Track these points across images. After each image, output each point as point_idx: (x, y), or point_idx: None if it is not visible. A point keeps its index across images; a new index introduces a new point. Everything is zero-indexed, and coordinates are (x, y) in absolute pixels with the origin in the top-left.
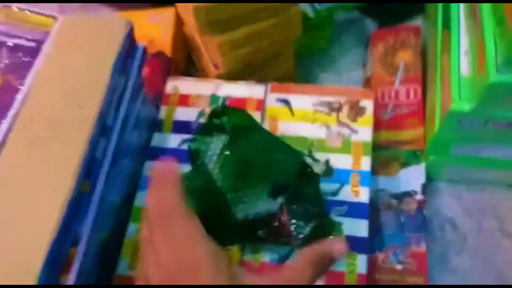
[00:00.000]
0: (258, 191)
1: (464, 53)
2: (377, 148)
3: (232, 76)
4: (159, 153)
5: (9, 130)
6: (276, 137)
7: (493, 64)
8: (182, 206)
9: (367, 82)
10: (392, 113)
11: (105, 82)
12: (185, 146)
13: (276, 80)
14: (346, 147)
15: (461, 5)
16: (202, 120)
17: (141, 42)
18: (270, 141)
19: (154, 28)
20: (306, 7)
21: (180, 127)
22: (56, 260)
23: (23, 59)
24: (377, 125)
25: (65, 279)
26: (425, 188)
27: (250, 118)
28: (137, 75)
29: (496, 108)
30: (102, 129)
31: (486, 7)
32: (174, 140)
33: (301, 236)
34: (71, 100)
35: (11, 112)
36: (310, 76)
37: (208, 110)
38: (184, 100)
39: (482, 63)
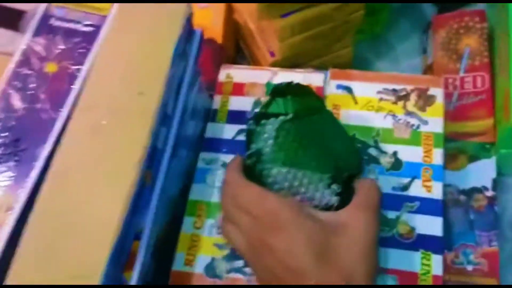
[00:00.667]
0: (313, 178)
1: None
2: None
3: (288, 63)
4: (214, 144)
5: (68, 118)
6: (341, 125)
7: None
8: (243, 179)
9: (428, 70)
10: (458, 103)
11: (166, 68)
12: (241, 137)
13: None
14: (415, 138)
15: None
16: (259, 109)
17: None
18: (334, 127)
19: (205, 15)
20: None
21: (235, 117)
22: (120, 256)
23: (80, 44)
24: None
25: (128, 277)
26: (495, 183)
27: (317, 97)
28: (195, 62)
29: None
30: (163, 117)
31: None
32: (229, 131)
33: None
34: (131, 87)
35: (70, 100)
36: (367, 64)
37: (264, 99)
38: (238, 89)
39: None
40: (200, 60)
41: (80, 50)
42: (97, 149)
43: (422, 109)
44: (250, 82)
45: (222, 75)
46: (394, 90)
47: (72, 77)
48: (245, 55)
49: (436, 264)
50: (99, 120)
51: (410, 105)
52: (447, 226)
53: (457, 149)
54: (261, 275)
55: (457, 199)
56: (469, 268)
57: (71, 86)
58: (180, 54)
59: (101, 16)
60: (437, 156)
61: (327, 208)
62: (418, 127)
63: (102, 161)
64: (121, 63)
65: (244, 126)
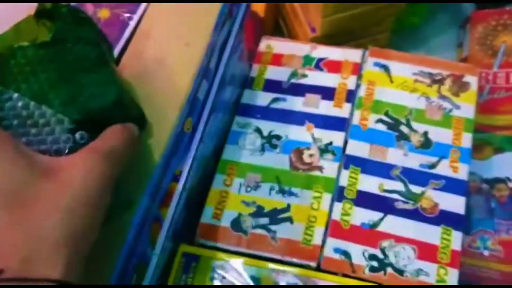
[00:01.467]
0: (52, 119)
1: None
2: None
3: (328, 41)
4: (248, 109)
5: (117, 63)
6: (112, 69)
7: None
8: None
9: (463, 63)
10: (488, 96)
11: (213, 23)
12: (275, 105)
13: None
14: (446, 121)
15: None
16: (294, 80)
17: None
18: (102, 67)
19: None
20: None
21: (271, 85)
22: (157, 190)
23: None
24: None
25: (163, 213)
26: None
27: (93, 28)
28: (240, 27)
29: None
30: (206, 71)
31: None
32: (264, 98)
33: None
34: (178, 38)
35: (119, 47)
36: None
37: (301, 70)
38: (277, 59)
39: None
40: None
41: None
42: (141, 93)
43: (456, 94)
44: (289, 53)
45: (263, 45)
46: (430, 74)
47: (124, 25)
48: (283, 33)
49: (456, 239)
50: (145, 66)
51: (444, 89)
52: (467, 210)
53: (483, 140)
54: None
55: (479, 187)
56: (486, 253)
57: (123, 34)
58: (227, 13)
59: None
60: (466, 140)
61: (57, 154)
62: (450, 111)
63: (144, 103)
64: (171, 14)
65: (279, 95)
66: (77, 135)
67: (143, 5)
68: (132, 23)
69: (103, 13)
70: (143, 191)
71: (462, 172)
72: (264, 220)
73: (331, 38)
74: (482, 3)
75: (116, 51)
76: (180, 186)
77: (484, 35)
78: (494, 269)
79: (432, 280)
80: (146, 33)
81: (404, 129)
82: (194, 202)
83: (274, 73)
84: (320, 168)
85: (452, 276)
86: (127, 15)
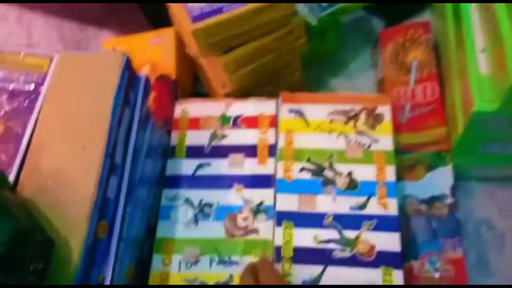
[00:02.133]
0: None
1: (480, 51)
2: (399, 153)
3: (241, 93)
4: (175, 181)
5: (15, 182)
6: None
7: None
8: None
9: (380, 84)
10: (410, 114)
11: (107, 119)
12: (200, 172)
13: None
14: (367, 157)
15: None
16: (215, 142)
17: (146, 66)
18: None
19: (157, 51)
20: (308, 15)
21: (193, 151)
22: None
23: (23, 104)
24: (396, 129)
25: None
26: (454, 190)
27: None
28: (142, 105)
29: None
30: (111, 167)
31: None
32: (188, 166)
33: None
34: (74, 143)
35: (17, 163)
36: (321, 81)
37: (220, 131)
38: (194, 124)
39: (502, 62)
40: (155, 96)
41: (25, 110)
42: (45, 210)
43: (372, 127)
44: (205, 115)
45: (178, 111)
46: (344, 111)
47: (19, 137)
48: (203, 84)
49: (397, 278)
50: (45, 181)
51: (360, 124)
52: (411, 236)
53: (414, 159)
54: None
55: (418, 209)
56: (436, 275)
57: (19, 146)
58: (123, 101)
59: (41, 74)
60: (390, 173)
61: None
62: (369, 146)
63: (52, 221)
64: (63, 121)
65: (203, 160)
66: None
67: (34, 116)
68: (26, 135)
69: None
70: None
71: (391, 207)
72: None
73: (243, 91)
74: (390, 18)
75: (14, 169)
76: None
77: (395, 53)
78: None
79: None
80: (39, 146)
81: (328, 173)
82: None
83: (194, 138)
84: (255, 231)
85: None
86: (20, 127)
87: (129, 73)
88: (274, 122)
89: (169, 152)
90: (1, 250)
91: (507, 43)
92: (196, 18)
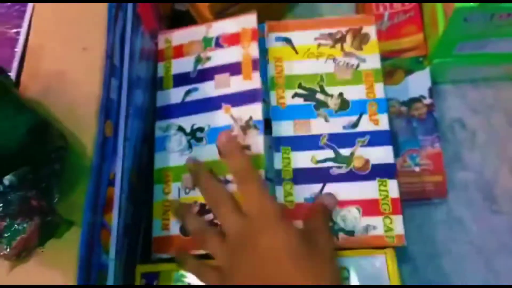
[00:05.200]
0: None
1: None
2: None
3: (221, 6)
4: (166, 111)
5: (16, 86)
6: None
7: None
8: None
9: None
10: (389, 22)
11: (105, 20)
12: (189, 98)
13: (265, 7)
14: (357, 77)
15: None
16: (200, 66)
17: None
18: None
19: None
20: None
21: (180, 79)
22: (97, 201)
23: (14, 7)
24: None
25: (108, 219)
26: (432, 91)
27: None
28: (133, 10)
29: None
30: (112, 69)
31: None
32: (177, 95)
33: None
34: (73, 45)
35: (15, 66)
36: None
37: (204, 54)
38: (178, 51)
39: None
40: (140, 11)
41: (16, 13)
42: (53, 110)
43: (359, 48)
44: (187, 41)
45: (161, 42)
46: (330, 34)
47: (13, 42)
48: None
49: (392, 188)
50: (48, 81)
51: (347, 46)
52: (393, 136)
53: (393, 65)
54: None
55: (399, 110)
56: (417, 169)
57: (14, 50)
58: (116, 5)
59: None
60: (379, 90)
61: None
62: (357, 66)
63: (61, 121)
64: (59, 22)
65: (190, 86)
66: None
67: (27, 17)
68: (21, 39)
69: None
70: (81, 207)
71: (383, 123)
72: (209, 217)
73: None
74: None
75: (13, 73)
76: (117, 190)
77: None
78: (427, 181)
79: (380, 232)
80: (38, 47)
81: (320, 96)
82: (138, 191)
83: (179, 66)
84: (247, 147)
85: (397, 222)
86: (13, 30)
87: None
88: (256, 36)
89: (157, 84)
90: (24, 139)
91: None
92: None
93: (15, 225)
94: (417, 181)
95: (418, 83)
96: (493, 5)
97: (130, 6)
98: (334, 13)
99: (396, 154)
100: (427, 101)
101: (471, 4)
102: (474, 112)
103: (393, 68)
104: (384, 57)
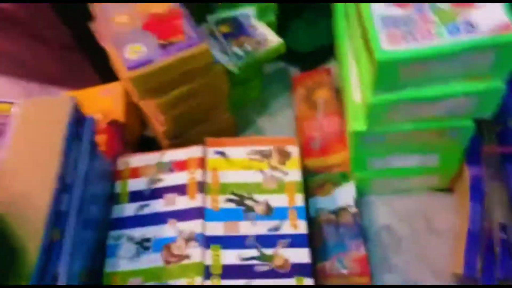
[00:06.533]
0: None
1: (355, 86)
2: (313, 174)
3: (179, 130)
4: (119, 223)
5: None
6: None
7: (368, 88)
8: None
9: (296, 120)
10: (320, 141)
11: (60, 148)
12: (141, 212)
13: (218, 130)
14: (281, 187)
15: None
16: (153, 186)
17: (97, 115)
18: None
19: (107, 101)
20: (228, 64)
21: (135, 196)
22: None
23: None
24: (310, 155)
25: None
26: (357, 201)
27: None
28: (90, 140)
29: (383, 123)
30: (63, 186)
31: (360, 45)
32: (131, 209)
33: None
34: (34, 167)
35: None
36: (249, 122)
37: (157, 176)
38: (135, 173)
39: (364, 90)
40: (106, 138)
41: None
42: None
43: (283, 163)
44: (143, 165)
45: (120, 164)
46: (260, 151)
47: None
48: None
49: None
50: (6, 196)
51: (273, 161)
52: (323, 241)
53: (324, 179)
54: None
55: (328, 218)
56: (344, 271)
57: None
58: (73, 135)
59: (5, 116)
60: (299, 199)
61: None
62: (281, 178)
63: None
64: (25, 150)
65: (143, 202)
66: None
67: (2, 147)
68: None
69: None
70: None
71: (301, 227)
72: None
73: (179, 128)
74: (303, 66)
75: None
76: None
77: (305, 94)
78: (355, 283)
79: None
80: (6, 167)
81: (248, 202)
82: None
83: (135, 185)
84: (188, 257)
85: None
86: None
87: (77, 113)
88: (202, 164)
89: (113, 199)
90: None
91: (363, 74)
92: (131, 68)
93: None
94: (345, 282)
95: (344, 194)
96: (381, 128)
97: (86, 137)
98: (277, 134)
99: (326, 258)
100: (353, 210)
101: (362, 128)
102: (399, 220)
103: (323, 181)
104: (316, 172)
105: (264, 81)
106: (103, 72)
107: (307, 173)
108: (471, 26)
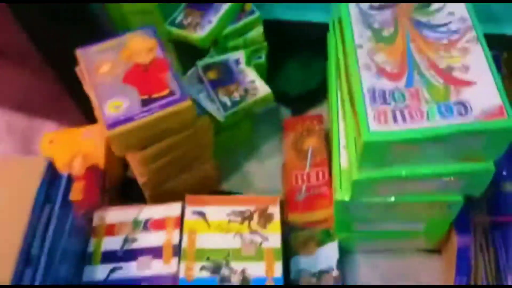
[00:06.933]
0: None
1: (343, 147)
2: (296, 229)
3: (159, 180)
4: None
5: None
6: None
7: (354, 164)
8: None
9: (283, 168)
10: (306, 194)
11: (27, 215)
12: (113, 276)
13: (202, 179)
14: (259, 254)
15: (339, 104)
16: (127, 246)
17: (78, 157)
18: None
19: (88, 144)
20: (216, 114)
21: (108, 257)
22: None
23: None
24: (294, 208)
25: None
26: (340, 263)
27: None
28: (63, 202)
29: (369, 195)
30: (27, 259)
31: (348, 110)
32: (102, 272)
33: None
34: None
35: None
36: (236, 166)
37: (132, 236)
38: (110, 230)
39: (350, 161)
40: (84, 184)
41: None
42: None
43: (264, 226)
44: (119, 221)
45: (96, 219)
46: (240, 212)
47: None
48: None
49: None
50: None
51: (254, 224)
52: None
53: (307, 236)
54: None
55: (309, 281)
56: None
57: None
58: (43, 200)
59: None
60: (277, 269)
61: None
62: (261, 244)
63: None
64: None
65: (115, 265)
66: None
67: None
68: None
69: None
70: None
71: None
72: None
73: (160, 179)
74: (294, 108)
75: None
76: None
77: (295, 141)
78: None
79: None
80: None
81: (225, 271)
82: None
83: (109, 243)
84: None
85: None
86: None
87: (51, 175)
88: (179, 223)
89: (86, 258)
90: None
91: (350, 146)
92: (110, 126)
93: None
94: None
95: (328, 254)
96: (364, 199)
97: (59, 199)
98: (264, 180)
99: None
100: (335, 273)
101: (345, 197)
102: (385, 281)
103: (306, 239)
104: (300, 228)
105: (255, 121)
106: (89, 112)
107: (290, 228)
108: (463, 107)
